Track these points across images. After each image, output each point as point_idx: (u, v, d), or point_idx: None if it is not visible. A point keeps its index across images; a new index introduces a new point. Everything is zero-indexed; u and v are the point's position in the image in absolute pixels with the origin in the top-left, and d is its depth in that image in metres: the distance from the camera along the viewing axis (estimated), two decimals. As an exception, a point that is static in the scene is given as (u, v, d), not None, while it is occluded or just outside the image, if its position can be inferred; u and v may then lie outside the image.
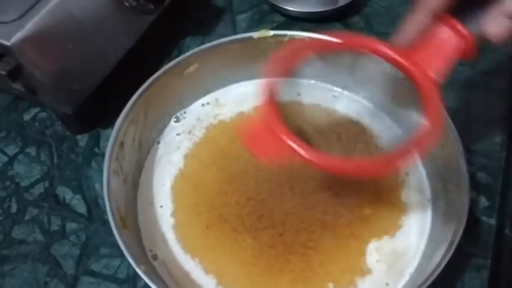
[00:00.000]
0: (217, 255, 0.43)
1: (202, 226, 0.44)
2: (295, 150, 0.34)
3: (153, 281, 0.36)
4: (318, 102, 0.51)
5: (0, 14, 0.45)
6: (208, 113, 0.51)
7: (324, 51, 0.41)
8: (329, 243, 0.43)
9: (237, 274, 0.42)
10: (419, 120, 0.47)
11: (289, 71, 0.38)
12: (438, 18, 0.36)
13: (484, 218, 0.46)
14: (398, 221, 0.44)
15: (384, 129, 0.49)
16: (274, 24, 0.61)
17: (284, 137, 0.34)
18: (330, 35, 0.39)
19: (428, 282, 0.36)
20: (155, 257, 0.43)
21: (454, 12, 0.36)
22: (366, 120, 0.49)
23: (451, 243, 0.37)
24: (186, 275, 0.42)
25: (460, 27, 0.35)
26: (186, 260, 0.43)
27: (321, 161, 0.35)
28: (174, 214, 0.45)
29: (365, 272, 0.42)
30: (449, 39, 0.36)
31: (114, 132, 0.44)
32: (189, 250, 0.43)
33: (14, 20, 0.44)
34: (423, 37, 0.36)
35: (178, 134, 0.50)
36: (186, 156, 0.49)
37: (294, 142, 0.34)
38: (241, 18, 0.61)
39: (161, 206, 0.46)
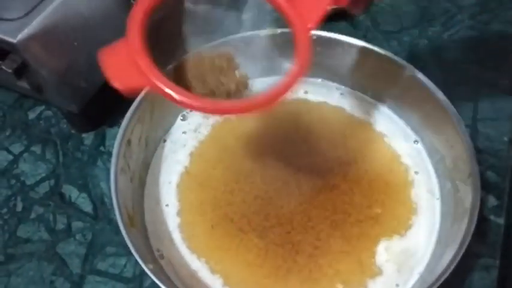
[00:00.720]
0: (222, 255, 0.43)
1: (208, 226, 0.44)
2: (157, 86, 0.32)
3: (160, 280, 0.36)
4: (325, 100, 0.50)
5: (6, 11, 0.44)
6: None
7: None
8: (338, 243, 0.43)
9: (243, 275, 0.42)
10: (423, 118, 0.47)
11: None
12: None
13: (492, 218, 0.45)
14: (408, 220, 0.44)
15: (390, 127, 0.49)
16: (280, 23, 0.60)
17: (149, 74, 0.32)
18: None
19: (438, 283, 0.36)
20: (162, 256, 0.43)
21: None
22: (372, 118, 0.48)
23: (462, 243, 0.37)
24: (193, 274, 0.42)
25: None
26: (193, 260, 0.43)
27: (182, 98, 0.33)
28: (179, 213, 0.45)
29: (376, 272, 0.42)
30: None
31: (121, 130, 0.43)
32: (195, 250, 0.43)
33: (19, 18, 0.44)
34: None
35: (184, 132, 0.50)
36: (191, 154, 0.48)
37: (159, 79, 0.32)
38: (247, 17, 0.61)
39: (167, 205, 0.46)
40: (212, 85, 0.37)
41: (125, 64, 0.33)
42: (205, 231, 0.44)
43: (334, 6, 0.36)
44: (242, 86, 0.38)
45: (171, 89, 0.33)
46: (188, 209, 0.45)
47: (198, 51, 0.41)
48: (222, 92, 0.37)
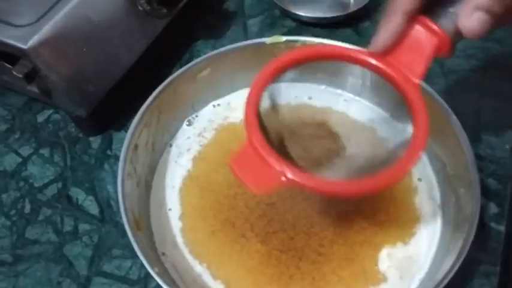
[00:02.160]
0: (224, 261, 0.43)
1: (208, 231, 0.44)
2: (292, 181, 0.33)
3: (166, 283, 0.37)
4: (329, 105, 0.51)
5: (16, 17, 0.45)
6: (218, 115, 0.52)
7: (301, 63, 0.40)
8: (341, 249, 0.43)
9: (244, 281, 0.42)
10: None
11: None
12: (411, 19, 0.36)
13: (493, 225, 0.46)
14: (412, 228, 0.44)
15: (394, 135, 0.49)
16: (285, 29, 0.61)
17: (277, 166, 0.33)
18: (304, 48, 0.40)
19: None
20: (167, 260, 0.43)
21: (426, 12, 0.36)
22: (377, 125, 0.49)
23: (461, 250, 0.37)
24: (196, 279, 0.42)
25: (433, 25, 0.35)
26: (195, 265, 0.43)
27: (315, 185, 0.34)
28: (181, 218, 0.46)
29: (379, 279, 0.42)
30: (424, 39, 0.36)
31: (128, 135, 0.44)
32: (197, 255, 0.44)
33: (30, 24, 0.45)
34: (399, 40, 0.36)
35: (189, 137, 0.51)
36: (194, 159, 0.49)
37: (290, 170, 0.33)
38: (253, 23, 0.62)
39: (170, 209, 0.46)
40: (314, 152, 0.40)
41: (257, 167, 0.34)
42: (206, 237, 0.44)
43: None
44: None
45: (311, 181, 0.34)
46: (190, 213, 0.46)
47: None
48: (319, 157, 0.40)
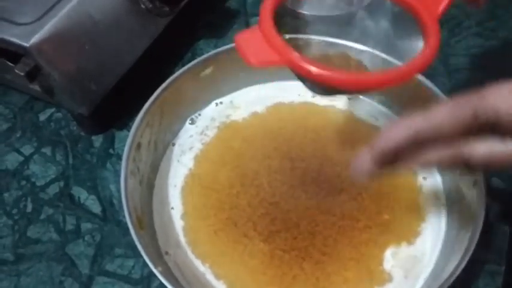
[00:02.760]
0: (226, 262, 0.43)
1: (210, 231, 0.44)
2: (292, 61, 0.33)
3: (170, 282, 0.36)
4: (332, 103, 0.51)
5: (19, 16, 0.45)
6: (221, 113, 0.51)
7: None
8: (346, 249, 0.43)
9: (246, 282, 0.42)
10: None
11: None
12: None
13: (498, 224, 0.45)
14: (417, 227, 0.44)
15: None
16: (288, 28, 0.61)
17: (285, 49, 0.33)
18: None
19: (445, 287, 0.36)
20: (170, 259, 0.43)
21: None
22: (380, 123, 0.49)
23: (467, 250, 0.37)
24: (198, 278, 0.42)
25: None
26: (198, 264, 0.43)
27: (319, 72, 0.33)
28: (183, 217, 0.45)
29: (385, 280, 0.42)
30: None
31: (131, 134, 0.44)
32: (199, 255, 0.43)
33: (32, 22, 0.44)
34: None
35: (191, 136, 0.50)
36: (196, 157, 0.49)
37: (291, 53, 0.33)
38: (255, 21, 0.61)
39: (172, 208, 0.46)
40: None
41: (259, 45, 0.35)
42: (208, 236, 0.44)
43: None
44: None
45: (307, 63, 0.33)
46: (191, 212, 0.45)
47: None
48: None
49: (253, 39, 0.35)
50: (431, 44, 0.35)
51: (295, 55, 0.33)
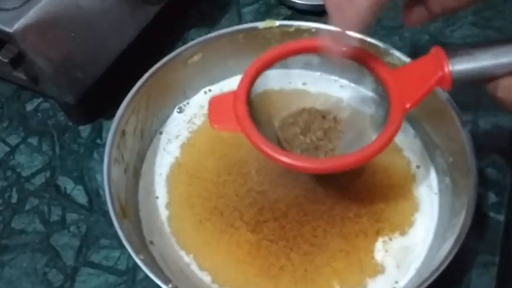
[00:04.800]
0: (211, 252, 0.42)
1: (196, 220, 0.43)
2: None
3: (151, 270, 0.35)
4: (324, 91, 0.50)
5: (3, 1, 0.44)
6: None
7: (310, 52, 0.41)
8: (336, 240, 0.42)
9: (232, 273, 0.41)
10: (422, 112, 0.46)
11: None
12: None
13: (492, 214, 0.45)
14: (411, 216, 0.43)
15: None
16: (281, 17, 0.60)
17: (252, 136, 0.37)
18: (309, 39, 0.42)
19: (434, 276, 0.35)
20: (155, 248, 0.42)
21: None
22: (372, 111, 0.48)
23: (458, 238, 0.36)
24: (182, 269, 0.41)
25: (445, 65, 0.36)
26: (182, 255, 0.42)
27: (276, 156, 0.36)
28: (168, 206, 0.44)
29: (376, 271, 0.41)
30: (431, 70, 0.36)
31: (115, 120, 0.43)
32: (183, 245, 0.42)
33: (16, 8, 0.43)
34: (414, 62, 0.39)
35: (178, 124, 0.49)
36: (183, 145, 0.48)
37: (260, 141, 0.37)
38: (247, 11, 0.61)
39: (157, 197, 0.45)
40: (311, 140, 0.42)
41: (226, 110, 0.38)
42: (193, 226, 0.43)
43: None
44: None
45: (260, 140, 0.37)
46: (177, 201, 0.44)
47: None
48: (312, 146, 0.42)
49: (224, 105, 0.39)
50: (387, 133, 0.36)
51: (255, 134, 0.37)
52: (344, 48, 0.38)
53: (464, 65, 0.36)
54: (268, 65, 0.41)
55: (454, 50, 0.36)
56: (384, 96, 0.39)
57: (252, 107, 0.39)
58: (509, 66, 0.35)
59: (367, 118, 0.45)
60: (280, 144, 0.41)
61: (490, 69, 0.35)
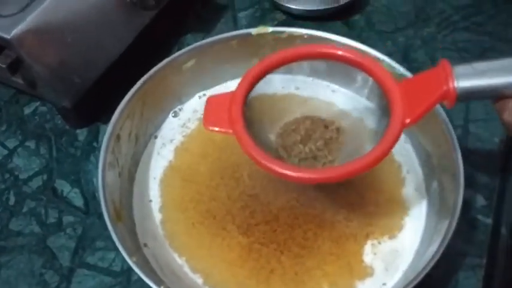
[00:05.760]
0: (203, 255, 0.42)
1: (188, 223, 0.44)
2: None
3: (144, 273, 0.36)
4: (316, 95, 0.50)
5: (1, 7, 0.45)
6: (203, 105, 0.50)
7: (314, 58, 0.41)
8: (326, 243, 0.42)
9: (223, 275, 0.41)
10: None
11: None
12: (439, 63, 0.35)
13: (480, 217, 0.45)
14: (401, 220, 0.44)
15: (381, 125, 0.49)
16: (276, 22, 0.61)
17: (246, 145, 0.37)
18: (329, 47, 0.40)
19: (419, 278, 0.36)
20: (149, 251, 0.43)
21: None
22: (364, 115, 0.48)
23: (443, 241, 0.37)
24: (175, 271, 0.42)
25: (451, 80, 0.34)
26: (175, 257, 0.43)
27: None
28: (161, 209, 0.45)
29: (365, 273, 0.41)
30: (437, 87, 0.35)
31: (110, 125, 0.44)
32: (176, 248, 0.43)
33: (14, 14, 0.44)
34: (420, 74, 0.36)
35: (173, 128, 0.50)
36: (176, 149, 0.48)
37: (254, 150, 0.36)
38: (243, 16, 0.61)
39: (150, 201, 0.46)
40: (310, 149, 0.41)
41: (222, 111, 0.38)
42: (186, 229, 0.44)
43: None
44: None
45: (247, 142, 0.37)
46: (170, 205, 0.45)
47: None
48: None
49: (221, 106, 0.38)
50: (382, 147, 0.35)
51: (245, 138, 0.37)
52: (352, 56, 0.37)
53: (471, 81, 0.34)
54: (273, 68, 0.40)
55: (461, 64, 0.34)
56: (384, 107, 0.38)
57: (250, 110, 0.39)
58: None
59: (368, 130, 0.44)
60: (277, 151, 0.41)
61: (498, 88, 0.33)
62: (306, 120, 0.43)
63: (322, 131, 0.42)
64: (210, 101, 0.40)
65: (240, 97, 0.38)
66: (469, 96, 0.34)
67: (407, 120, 0.35)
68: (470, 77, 0.34)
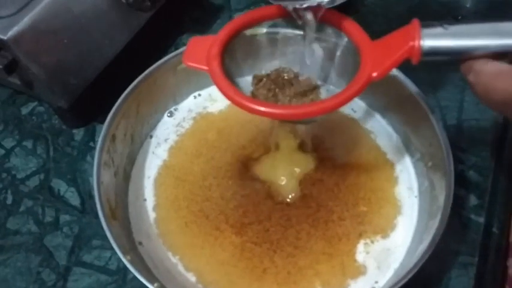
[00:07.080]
0: (196, 254, 0.43)
1: (181, 223, 0.44)
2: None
3: (137, 270, 0.37)
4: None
5: (-3, 8, 0.45)
6: (198, 104, 0.51)
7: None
8: (319, 243, 0.43)
9: (216, 274, 0.42)
10: (404, 117, 0.47)
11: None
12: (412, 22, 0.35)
13: (472, 216, 0.46)
14: (394, 220, 0.44)
15: (375, 125, 0.49)
16: (272, 23, 0.61)
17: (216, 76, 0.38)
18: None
19: (410, 275, 0.36)
20: (144, 249, 0.43)
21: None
22: (358, 115, 0.49)
23: (434, 238, 0.37)
24: (169, 269, 0.42)
25: (417, 37, 0.34)
26: (169, 256, 0.43)
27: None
28: (155, 208, 0.46)
29: (358, 272, 0.42)
30: (403, 41, 0.35)
31: (105, 125, 0.44)
32: (169, 247, 0.43)
33: (10, 15, 0.45)
34: (392, 33, 0.37)
35: (167, 128, 0.51)
36: (171, 148, 0.49)
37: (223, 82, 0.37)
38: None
39: (144, 200, 0.46)
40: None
41: (201, 50, 0.39)
42: (179, 228, 0.44)
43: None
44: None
45: (222, 81, 0.38)
46: (163, 204, 0.46)
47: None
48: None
49: (201, 46, 0.40)
50: (345, 94, 0.36)
51: (219, 75, 0.38)
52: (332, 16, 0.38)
53: (438, 41, 0.34)
54: (258, 20, 0.42)
55: (430, 23, 0.35)
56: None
57: (231, 54, 0.40)
58: (485, 49, 0.33)
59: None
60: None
61: (463, 50, 0.34)
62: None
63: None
64: (193, 41, 0.41)
65: (221, 40, 0.39)
66: (434, 55, 0.34)
67: (374, 74, 0.36)
68: (438, 37, 0.34)
